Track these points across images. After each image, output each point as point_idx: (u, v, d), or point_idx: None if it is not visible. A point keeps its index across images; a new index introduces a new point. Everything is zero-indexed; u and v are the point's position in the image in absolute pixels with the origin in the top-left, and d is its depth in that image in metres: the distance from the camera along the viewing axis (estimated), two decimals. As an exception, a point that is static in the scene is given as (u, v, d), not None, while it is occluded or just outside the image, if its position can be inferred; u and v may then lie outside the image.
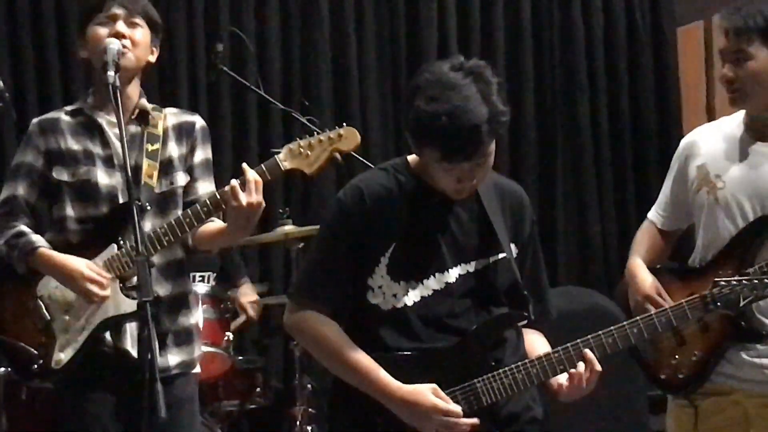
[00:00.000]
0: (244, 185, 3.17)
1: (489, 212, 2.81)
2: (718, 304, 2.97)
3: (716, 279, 3.00)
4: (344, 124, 3.37)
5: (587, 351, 2.76)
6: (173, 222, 3.29)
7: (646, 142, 6.21)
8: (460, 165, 2.66)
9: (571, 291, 5.47)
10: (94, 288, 3.27)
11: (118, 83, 3.07)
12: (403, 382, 2.72)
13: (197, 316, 3.57)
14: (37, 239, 3.35)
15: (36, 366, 3.34)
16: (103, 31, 3.33)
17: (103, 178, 3.36)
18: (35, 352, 3.34)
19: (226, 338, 4.86)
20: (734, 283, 2.97)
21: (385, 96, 5.98)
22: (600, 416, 5.07)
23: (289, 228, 4.92)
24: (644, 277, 3.30)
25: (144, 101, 3.45)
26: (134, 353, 3.31)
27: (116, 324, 3.32)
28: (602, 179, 6.22)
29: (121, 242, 3.33)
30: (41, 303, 3.36)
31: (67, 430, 3.40)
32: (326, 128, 3.37)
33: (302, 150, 3.29)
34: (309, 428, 4.94)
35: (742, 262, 3.15)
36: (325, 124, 5.36)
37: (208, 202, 3.27)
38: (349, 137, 3.31)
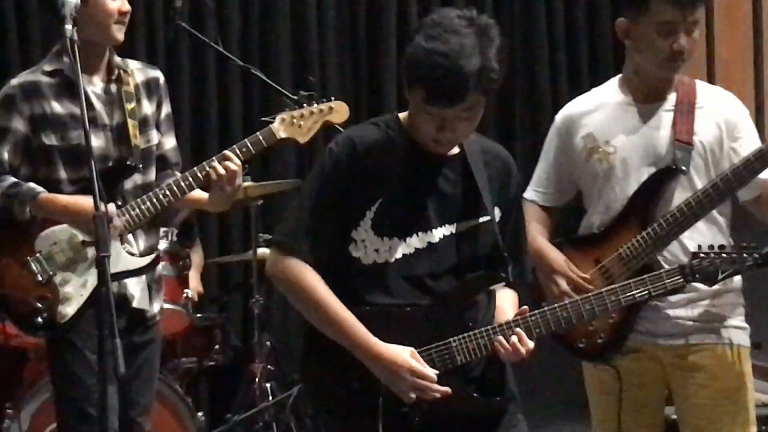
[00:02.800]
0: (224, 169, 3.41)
1: (476, 175, 2.81)
2: (697, 276, 2.97)
3: (694, 251, 3.00)
4: (332, 98, 3.68)
5: (518, 330, 2.77)
6: (166, 188, 3.45)
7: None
8: (442, 111, 2.65)
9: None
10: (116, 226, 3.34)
11: (76, 37, 3.05)
12: (378, 337, 2.73)
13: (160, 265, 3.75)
14: (38, 186, 3.42)
15: (41, 319, 3.42)
16: (114, 5, 3.47)
17: (92, 140, 3.37)
18: (39, 305, 3.41)
19: (184, 295, 4.86)
20: (713, 255, 2.97)
21: (343, 54, 5.96)
22: (554, 380, 5.10)
23: (248, 184, 4.91)
24: (553, 255, 3.31)
25: (117, 58, 3.56)
26: (135, 302, 3.53)
27: (120, 278, 3.44)
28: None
29: (119, 201, 3.44)
30: (41, 258, 3.43)
31: (62, 375, 3.51)
32: (319, 98, 3.65)
33: (295, 120, 3.57)
34: (268, 385, 4.97)
35: (644, 219, 3.20)
36: (284, 82, 5.38)
37: (192, 180, 3.45)
38: (340, 111, 3.64)
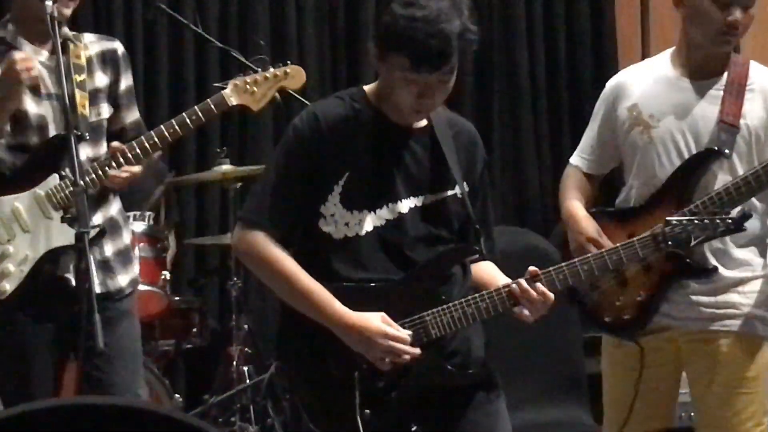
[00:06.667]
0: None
1: (444, 148, 2.81)
2: (669, 243, 2.93)
3: (668, 218, 2.96)
4: (288, 62, 3.46)
5: (538, 285, 2.75)
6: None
7: (582, 92, 6.25)
8: (425, 76, 2.65)
9: (509, 231, 5.43)
10: (25, 64, 3.18)
11: (56, 14, 3.02)
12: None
13: (129, 234, 3.61)
14: None
15: None
16: None
17: (31, 107, 3.32)
18: None
19: (162, 277, 4.84)
20: (685, 222, 2.93)
21: (322, 36, 5.94)
22: (536, 361, 5.12)
23: (226, 168, 4.92)
24: (584, 220, 3.29)
25: (66, 30, 3.40)
26: (73, 281, 3.31)
27: (59, 254, 3.31)
28: (539, 126, 6.27)
29: (62, 173, 3.29)
30: None
31: (5, 360, 3.39)
32: (269, 66, 3.43)
33: (248, 86, 3.39)
34: (245, 368, 4.96)
35: (681, 199, 3.17)
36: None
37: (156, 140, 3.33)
38: (295, 75, 3.47)
